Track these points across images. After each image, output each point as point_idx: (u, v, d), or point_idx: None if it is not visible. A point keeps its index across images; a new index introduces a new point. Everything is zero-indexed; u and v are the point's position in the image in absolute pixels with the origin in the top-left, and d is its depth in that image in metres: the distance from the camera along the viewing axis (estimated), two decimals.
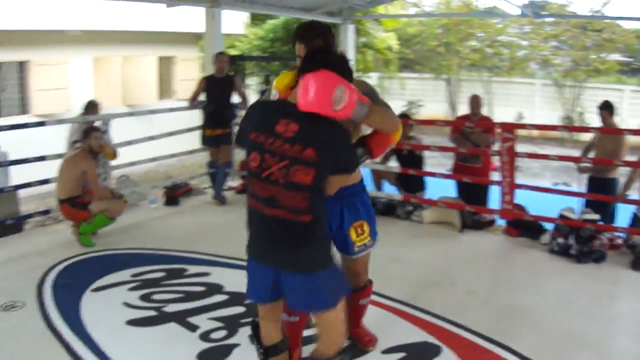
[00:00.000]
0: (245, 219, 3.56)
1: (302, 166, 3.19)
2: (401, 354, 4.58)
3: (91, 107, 9.41)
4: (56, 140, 8.42)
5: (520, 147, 7.46)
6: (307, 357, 3.97)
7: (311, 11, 14.01)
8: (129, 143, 8.87)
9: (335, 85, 3.18)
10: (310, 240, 3.35)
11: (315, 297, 3.46)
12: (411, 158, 8.67)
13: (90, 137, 7.15)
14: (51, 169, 7.33)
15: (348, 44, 14.90)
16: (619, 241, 7.18)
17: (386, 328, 4.97)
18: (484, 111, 9.57)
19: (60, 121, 8.74)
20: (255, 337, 3.83)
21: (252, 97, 17.96)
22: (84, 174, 7.07)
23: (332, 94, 3.16)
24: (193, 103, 9.18)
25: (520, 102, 25.45)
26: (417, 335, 4.88)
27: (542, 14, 14.66)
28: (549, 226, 7.41)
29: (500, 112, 23.02)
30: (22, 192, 8.38)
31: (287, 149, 3.20)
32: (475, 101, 8.68)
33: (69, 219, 7.20)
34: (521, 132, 22.21)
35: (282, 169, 3.21)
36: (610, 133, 8.01)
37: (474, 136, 8.40)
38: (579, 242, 6.91)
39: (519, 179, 7.79)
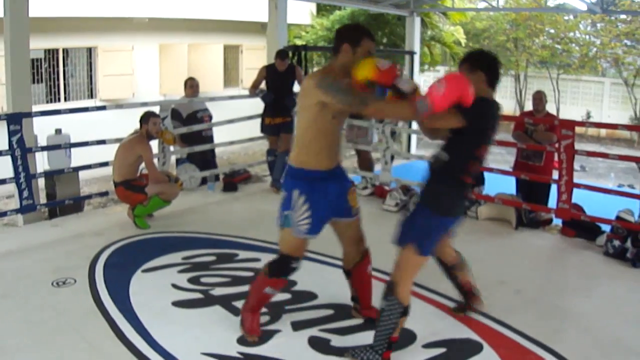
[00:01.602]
0: (456, 194, 4.28)
1: None
2: (442, 349, 4.54)
3: (186, 84, 9.61)
4: (125, 124, 8.53)
5: (587, 147, 7.34)
6: None
7: (378, 3, 13.99)
8: (189, 129, 8.97)
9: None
10: None
11: None
12: None
13: (149, 123, 7.25)
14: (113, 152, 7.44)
15: (414, 37, 14.83)
16: None
17: (430, 322, 4.96)
18: (552, 109, 9.41)
19: (119, 105, 8.85)
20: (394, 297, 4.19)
21: None
22: (139, 158, 7.18)
23: None
24: (253, 92, 9.24)
25: (589, 101, 25.14)
26: (461, 332, 4.84)
27: (610, 9, 14.32)
28: (606, 228, 7.26)
29: (568, 111, 22.78)
30: (88, 174, 8.53)
31: None
32: (538, 98, 8.51)
33: (124, 201, 7.32)
34: (590, 131, 22.06)
35: None
36: None
37: (536, 134, 8.24)
38: (635, 246, 6.75)
39: (585, 179, 7.65)
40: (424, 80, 26.25)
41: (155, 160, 7.73)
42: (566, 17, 24.87)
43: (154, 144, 7.66)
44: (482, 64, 4.19)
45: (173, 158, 8.82)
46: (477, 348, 4.58)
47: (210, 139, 9.65)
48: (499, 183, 8.66)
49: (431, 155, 4.34)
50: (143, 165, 7.29)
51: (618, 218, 7.06)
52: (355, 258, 4.76)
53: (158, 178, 7.29)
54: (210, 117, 9.53)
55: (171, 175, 7.70)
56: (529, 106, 8.74)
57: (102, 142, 7.79)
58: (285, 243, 4.43)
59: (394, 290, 4.15)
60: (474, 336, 4.76)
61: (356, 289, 4.87)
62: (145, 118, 7.28)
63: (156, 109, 8.01)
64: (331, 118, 4.14)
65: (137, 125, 7.37)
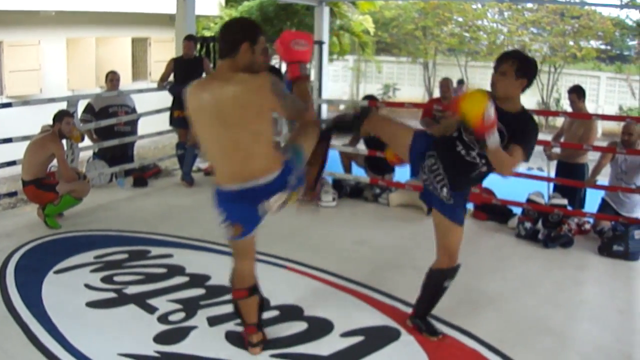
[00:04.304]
0: None
1: None
2: (360, 337, 4.57)
3: (107, 77, 9.49)
4: (33, 121, 8.31)
5: None
6: None
7: None
8: (97, 125, 8.80)
9: None
10: None
11: None
12: (379, 140, 8.52)
13: (62, 122, 7.09)
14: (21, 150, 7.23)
15: (323, 26, 14.84)
16: (587, 226, 7.22)
17: (346, 311, 4.98)
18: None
19: (26, 102, 8.62)
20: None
21: None
22: (51, 157, 7.02)
23: None
24: (162, 84, 9.13)
25: None
26: (377, 319, 4.88)
27: None
28: (518, 210, 7.42)
29: None
30: None
31: None
32: (445, 85, 8.66)
33: (34, 201, 7.13)
34: None
35: None
36: (578, 118, 8.01)
37: (444, 120, 8.34)
38: (546, 227, 6.95)
39: None
40: (334, 70, 26.35)
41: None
42: (474, 6, 25.25)
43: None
44: (531, 75, 4.15)
45: (82, 155, 8.62)
46: (394, 334, 4.63)
47: (126, 134, 9.39)
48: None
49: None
50: (51, 163, 7.14)
51: (529, 200, 7.25)
52: None
53: (70, 176, 7.12)
54: (129, 112, 9.33)
55: (80, 173, 7.55)
56: (438, 94, 8.87)
57: (9, 140, 7.56)
58: None
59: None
60: (391, 322, 4.81)
61: None
62: (60, 117, 7.11)
63: (64, 105, 7.83)
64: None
65: (46, 122, 7.20)
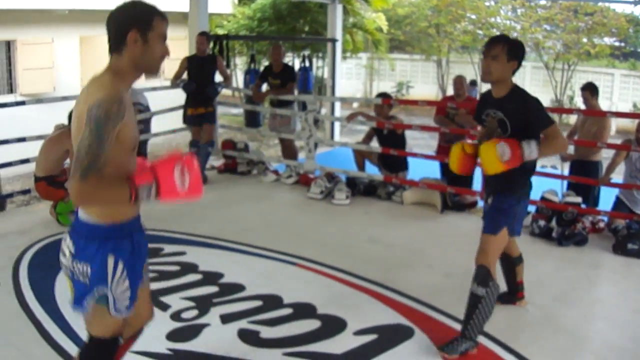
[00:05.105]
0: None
1: None
2: (373, 336, 4.55)
3: None
4: (46, 119, 8.34)
5: None
6: None
7: None
8: None
9: None
10: None
11: None
12: (392, 138, 8.58)
13: None
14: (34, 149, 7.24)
15: (336, 24, 14.83)
16: (602, 224, 7.16)
17: (359, 309, 4.96)
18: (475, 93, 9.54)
19: (39, 100, 8.65)
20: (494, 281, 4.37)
21: (239, 77, 18.03)
22: (66, 153, 7.02)
23: None
24: (175, 82, 9.14)
25: None
26: (391, 317, 4.86)
27: None
28: (532, 208, 7.37)
29: None
30: (9, 172, 8.33)
31: None
32: (459, 82, 8.62)
33: (44, 197, 7.14)
34: None
35: None
36: (592, 115, 7.96)
37: (458, 117, 8.33)
38: (560, 225, 6.91)
39: None
40: (347, 67, 26.31)
41: None
42: (487, 3, 25.24)
43: None
44: (520, 57, 4.28)
45: None
46: (408, 333, 4.61)
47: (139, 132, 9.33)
48: (423, 167, 8.73)
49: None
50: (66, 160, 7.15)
51: (543, 199, 7.21)
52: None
53: None
54: (142, 110, 9.29)
55: None
56: (451, 91, 8.86)
57: (23, 139, 7.58)
58: (102, 325, 3.09)
59: (492, 275, 4.33)
60: (405, 321, 4.79)
61: None
62: None
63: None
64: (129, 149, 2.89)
65: (60, 120, 7.20)
